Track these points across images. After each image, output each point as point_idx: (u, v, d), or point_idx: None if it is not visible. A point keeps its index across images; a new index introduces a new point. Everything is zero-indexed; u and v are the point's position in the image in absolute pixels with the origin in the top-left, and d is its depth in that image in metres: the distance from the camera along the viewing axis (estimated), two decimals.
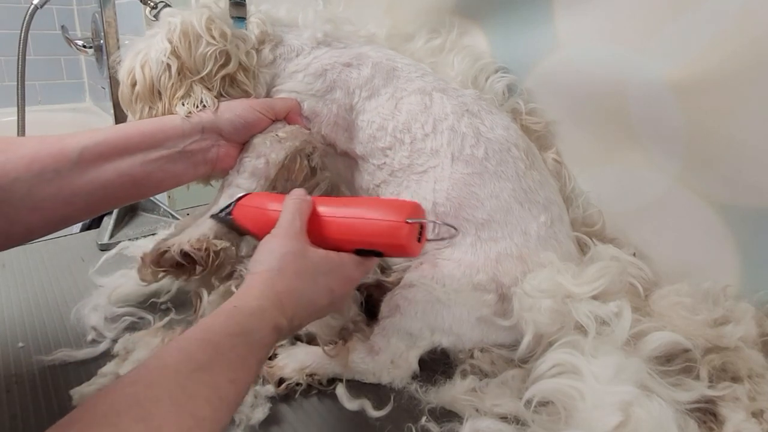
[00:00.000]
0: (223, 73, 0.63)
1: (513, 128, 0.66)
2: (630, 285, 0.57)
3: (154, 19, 0.71)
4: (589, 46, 0.65)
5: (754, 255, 0.57)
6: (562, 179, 0.72)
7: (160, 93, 0.63)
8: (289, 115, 0.65)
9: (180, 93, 0.62)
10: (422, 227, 0.51)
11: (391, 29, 0.80)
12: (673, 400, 0.46)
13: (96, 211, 0.59)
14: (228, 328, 0.39)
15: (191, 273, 0.58)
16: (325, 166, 0.69)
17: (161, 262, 0.58)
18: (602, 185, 0.69)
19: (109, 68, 1.01)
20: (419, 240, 0.50)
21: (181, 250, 0.56)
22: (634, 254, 0.63)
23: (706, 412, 0.49)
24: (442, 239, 0.60)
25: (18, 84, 1.31)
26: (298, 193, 0.52)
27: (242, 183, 0.62)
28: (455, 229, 0.59)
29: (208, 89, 0.63)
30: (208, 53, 0.62)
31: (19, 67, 1.29)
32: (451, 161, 0.62)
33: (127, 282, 0.73)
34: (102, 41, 1.03)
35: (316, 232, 0.51)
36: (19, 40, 1.28)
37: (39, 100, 2.34)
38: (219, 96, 0.64)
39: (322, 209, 0.52)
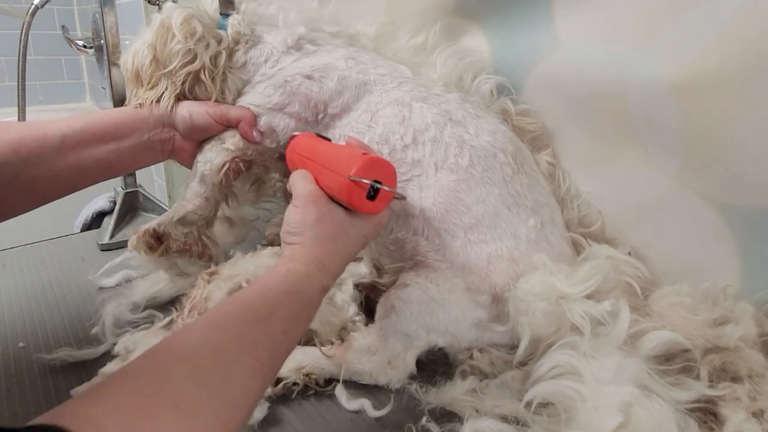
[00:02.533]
0: (186, 70, 0.65)
1: (501, 132, 0.65)
2: (627, 284, 0.57)
3: None
4: (589, 46, 0.65)
5: (754, 255, 0.57)
6: (556, 180, 0.71)
7: (142, 80, 0.67)
8: (240, 125, 0.66)
9: (151, 84, 0.66)
10: (377, 183, 0.49)
11: (382, 27, 0.79)
12: (673, 400, 0.46)
13: (75, 189, 0.64)
14: (283, 288, 0.43)
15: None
16: (274, 169, 0.71)
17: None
18: (602, 185, 0.69)
19: (109, 68, 1.01)
20: (373, 198, 0.49)
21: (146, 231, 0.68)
22: (629, 253, 0.63)
23: (707, 412, 0.49)
24: (402, 198, 0.57)
25: (18, 84, 1.31)
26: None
27: (194, 186, 0.68)
28: (403, 197, 0.57)
29: (174, 84, 0.65)
30: (176, 50, 0.64)
31: (20, 67, 1.29)
32: (435, 170, 0.62)
33: (165, 285, 0.75)
34: (102, 41, 1.03)
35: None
36: (20, 40, 1.28)
37: (39, 100, 2.34)
38: (183, 93, 0.66)
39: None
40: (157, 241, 0.68)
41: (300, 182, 0.52)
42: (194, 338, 0.36)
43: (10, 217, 0.60)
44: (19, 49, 1.28)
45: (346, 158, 0.50)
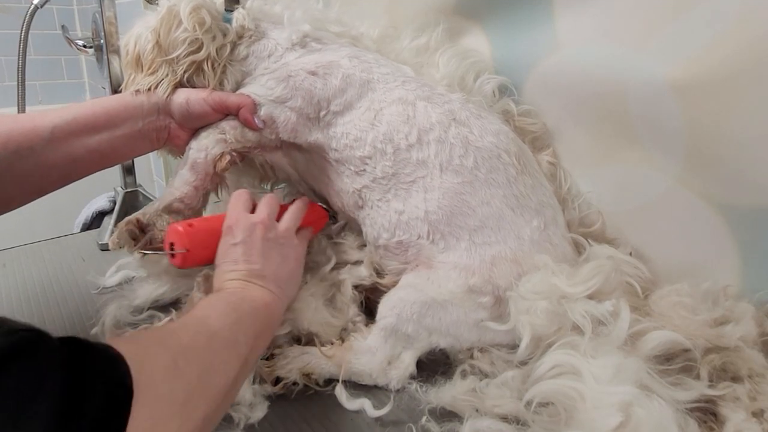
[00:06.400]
0: (190, 59, 0.65)
1: (504, 132, 0.65)
2: (628, 284, 0.57)
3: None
4: (589, 46, 0.65)
5: (754, 255, 0.57)
6: (557, 181, 0.71)
7: (143, 65, 0.66)
8: (241, 112, 0.64)
9: (151, 69, 0.65)
10: (172, 245, 0.59)
11: (386, 29, 0.79)
12: (673, 400, 0.46)
13: (70, 180, 0.63)
14: (225, 297, 0.52)
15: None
16: (272, 160, 0.70)
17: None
18: (602, 185, 0.69)
19: (109, 68, 1.01)
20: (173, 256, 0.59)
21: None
22: (631, 254, 0.63)
23: (707, 412, 0.49)
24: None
25: (18, 84, 1.31)
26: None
27: (183, 174, 0.65)
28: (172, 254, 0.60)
29: (174, 72, 0.65)
30: (181, 38, 0.64)
31: (19, 67, 1.29)
32: (440, 172, 0.61)
33: (169, 287, 0.74)
34: (102, 41, 1.03)
35: None
36: (19, 40, 1.28)
37: (39, 100, 2.34)
38: (182, 81, 0.66)
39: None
40: (140, 232, 0.64)
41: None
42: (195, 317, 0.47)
43: (6, 212, 0.59)
44: (19, 48, 1.28)
45: None
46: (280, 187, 0.81)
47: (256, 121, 0.64)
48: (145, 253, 0.62)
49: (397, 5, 0.86)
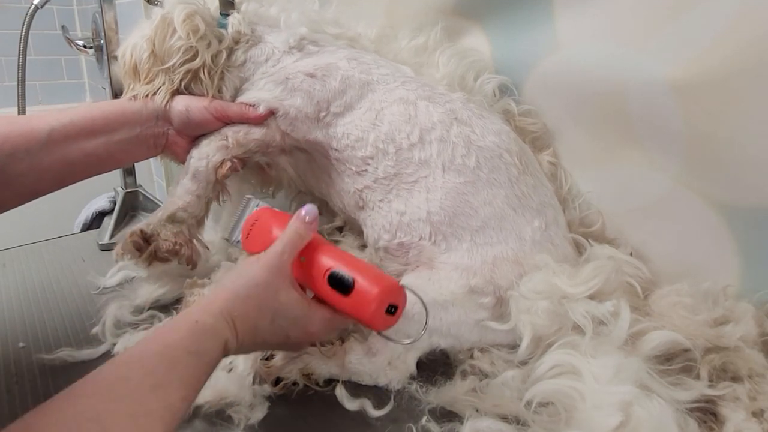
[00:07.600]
0: (186, 67, 0.64)
1: (505, 132, 0.65)
2: (628, 284, 0.57)
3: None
4: (589, 46, 0.65)
5: (754, 255, 0.57)
6: (558, 181, 0.71)
7: (140, 75, 0.66)
8: (251, 117, 0.65)
9: (148, 78, 0.65)
10: (396, 307, 0.50)
11: (383, 29, 0.79)
12: (673, 400, 0.46)
13: (64, 184, 0.63)
14: (186, 346, 0.39)
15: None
16: (277, 165, 0.70)
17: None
18: (602, 185, 0.69)
19: (109, 68, 1.01)
20: (389, 314, 0.49)
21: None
22: (631, 254, 0.63)
23: (707, 412, 0.49)
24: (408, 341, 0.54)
25: (18, 84, 1.31)
26: (296, 224, 0.50)
27: (185, 183, 0.65)
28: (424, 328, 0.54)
29: (171, 81, 0.65)
30: (176, 46, 0.64)
31: (19, 67, 1.29)
32: (443, 171, 0.61)
33: (169, 287, 0.74)
34: (102, 41, 1.03)
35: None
36: (19, 40, 1.28)
37: (39, 100, 2.34)
38: (179, 90, 0.65)
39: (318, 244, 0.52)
40: (145, 243, 0.63)
41: (281, 244, 0.49)
42: (80, 407, 0.32)
43: None
44: (19, 49, 1.28)
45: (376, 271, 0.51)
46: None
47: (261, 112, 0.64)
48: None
49: (397, 5, 0.86)
